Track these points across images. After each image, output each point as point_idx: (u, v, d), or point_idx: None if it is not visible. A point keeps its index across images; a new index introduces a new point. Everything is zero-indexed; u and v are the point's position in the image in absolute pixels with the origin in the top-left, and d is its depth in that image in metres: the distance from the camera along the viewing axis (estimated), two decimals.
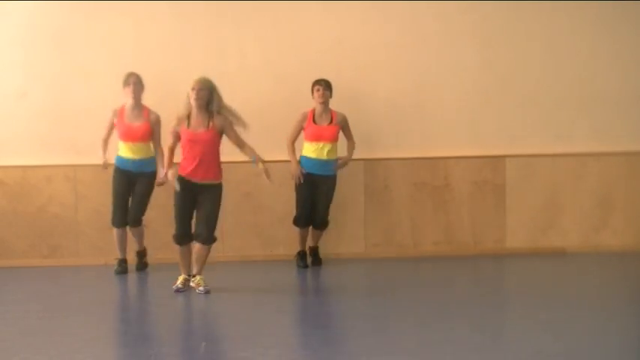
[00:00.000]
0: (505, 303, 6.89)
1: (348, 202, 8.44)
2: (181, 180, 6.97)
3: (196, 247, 7.12)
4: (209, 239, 7.07)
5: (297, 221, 8.08)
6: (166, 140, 7.28)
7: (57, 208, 8.42)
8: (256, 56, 8.54)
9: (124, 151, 7.85)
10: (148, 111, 7.84)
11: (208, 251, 7.13)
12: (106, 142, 7.91)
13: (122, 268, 7.99)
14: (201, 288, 7.08)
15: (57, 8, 8.39)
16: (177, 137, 7.03)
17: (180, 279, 7.20)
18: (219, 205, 7.05)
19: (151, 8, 8.43)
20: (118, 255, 8.02)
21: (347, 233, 8.52)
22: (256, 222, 8.44)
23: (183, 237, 7.11)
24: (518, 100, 8.70)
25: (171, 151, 7.08)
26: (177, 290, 7.11)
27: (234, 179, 8.19)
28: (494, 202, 8.68)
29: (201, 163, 6.94)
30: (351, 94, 8.30)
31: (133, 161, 7.83)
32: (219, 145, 7.04)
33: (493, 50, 8.67)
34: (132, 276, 7.95)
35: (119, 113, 7.84)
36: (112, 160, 7.91)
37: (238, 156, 7.24)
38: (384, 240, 8.54)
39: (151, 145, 7.88)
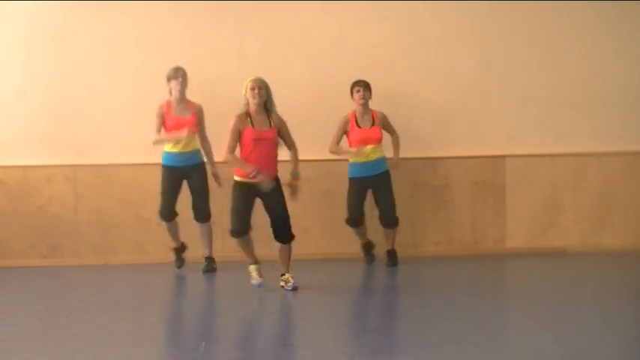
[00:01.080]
0: (505, 303, 6.89)
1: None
2: (242, 183, 6.96)
3: (279, 247, 7.15)
4: (289, 238, 7.11)
5: (348, 222, 8.14)
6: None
7: (57, 208, 8.42)
8: (256, 56, 8.54)
9: (172, 145, 7.83)
10: (193, 103, 7.87)
11: (291, 248, 7.16)
12: (159, 133, 7.88)
13: (179, 261, 8.05)
14: (289, 285, 7.10)
15: (57, 8, 8.40)
16: (238, 137, 6.98)
17: (253, 269, 7.20)
18: (285, 199, 7.05)
19: (151, 8, 8.44)
20: (173, 244, 8.05)
21: (347, 233, 8.50)
22: (257, 222, 8.42)
23: (239, 231, 7.04)
24: (518, 100, 8.70)
25: (233, 151, 7.00)
26: (259, 285, 7.14)
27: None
28: (494, 202, 8.68)
29: (265, 162, 6.94)
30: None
31: (182, 155, 7.82)
32: (277, 144, 7.07)
33: (493, 50, 8.68)
34: (132, 276, 7.94)
35: (165, 107, 7.85)
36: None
37: None
38: (384, 240, 8.53)
39: (197, 137, 7.89)
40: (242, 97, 7.01)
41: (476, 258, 8.48)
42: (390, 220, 8.10)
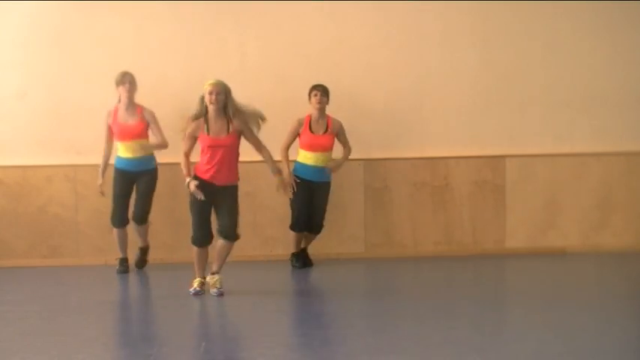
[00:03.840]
0: (505, 303, 6.89)
1: (348, 203, 8.45)
2: (201, 184, 6.87)
3: (219, 243, 7.04)
4: (233, 235, 7.01)
5: (294, 227, 8.07)
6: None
7: (57, 208, 8.42)
8: (256, 56, 8.54)
9: (122, 151, 7.86)
10: (142, 108, 7.85)
11: (231, 248, 7.07)
12: (109, 144, 7.87)
13: (124, 267, 8.02)
14: (214, 290, 6.99)
15: (57, 8, 8.40)
16: (193, 142, 6.95)
17: (197, 282, 7.11)
18: (238, 203, 7.02)
19: (151, 8, 8.44)
20: (120, 254, 8.04)
21: (347, 233, 8.52)
22: (256, 222, 8.44)
23: (204, 239, 7.03)
24: (518, 100, 8.70)
25: (187, 156, 6.96)
26: (196, 293, 7.02)
27: None
28: (494, 202, 8.68)
29: (223, 168, 6.89)
30: (351, 95, 8.30)
31: (132, 160, 7.83)
32: (238, 148, 6.99)
33: (493, 50, 8.67)
34: (132, 276, 7.95)
35: (113, 114, 7.85)
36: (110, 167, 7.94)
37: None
38: (384, 240, 8.54)
39: (149, 143, 7.86)
40: (199, 100, 6.91)
41: (476, 258, 8.48)
42: (318, 227, 8.08)
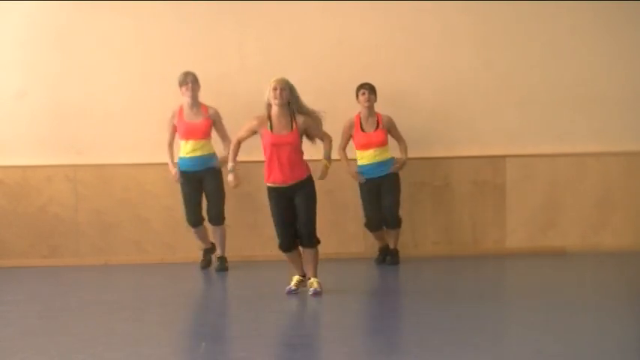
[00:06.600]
0: (505, 303, 6.89)
1: (348, 202, 8.44)
2: (273, 189, 6.82)
3: (304, 252, 6.98)
4: (312, 242, 6.92)
5: (368, 226, 8.16)
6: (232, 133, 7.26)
7: (57, 208, 8.42)
8: (256, 56, 8.54)
9: (187, 150, 7.85)
10: (207, 107, 7.88)
11: (317, 252, 6.98)
12: (171, 145, 7.91)
13: (208, 260, 8.11)
14: (311, 289, 6.94)
15: (57, 8, 8.40)
16: (250, 135, 6.85)
17: (295, 279, 7.08)
18: (315, 200, 6.90)
19: (152, 8, 8.44)
20: (203, 246, 8.09)
21: (347, 233, 8.52)
22: (256, 222, 8.44)
23: (290, 245, 6.95)
24: (518, 100, 8.70)
25: (239, 144, 6.89)
26: (290, 292, 6.99)
27: None
28: (494, 202, 8.68)
29: (288, 166, 6.77)
30: (351, 95, 8.29)
31: (196, 159, 7.83)
32: (301, 144, 6.87)
33: (493, 50, 8.68)
34: (132, 276, 7.95)
35: (178, 113, 7.86)
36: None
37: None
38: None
39: (211, 141, 7.90)
40: (265, 98, 6.81)
41: (476, 258, 8.48)
42: (391, 221, 8.11)
